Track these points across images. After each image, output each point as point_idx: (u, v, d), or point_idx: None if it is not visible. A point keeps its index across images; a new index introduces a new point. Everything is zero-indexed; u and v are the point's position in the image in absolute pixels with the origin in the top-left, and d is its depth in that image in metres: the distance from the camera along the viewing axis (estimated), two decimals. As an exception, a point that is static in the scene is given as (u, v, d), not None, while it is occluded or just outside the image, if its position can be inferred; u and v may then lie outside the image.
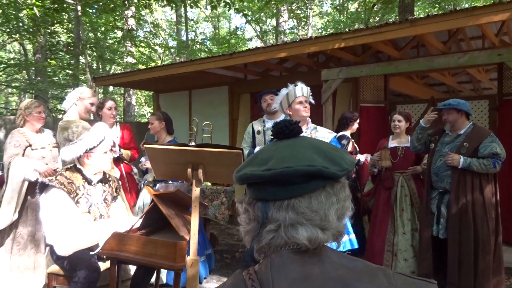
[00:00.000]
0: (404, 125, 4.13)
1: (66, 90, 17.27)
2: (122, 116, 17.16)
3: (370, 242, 4.12)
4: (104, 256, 2.68)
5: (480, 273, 3.31)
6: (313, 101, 3.32)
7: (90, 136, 2.81)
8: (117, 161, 4.16)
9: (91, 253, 2.68)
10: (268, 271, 0.77)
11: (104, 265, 2.83)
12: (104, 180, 2.98)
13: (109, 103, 4.24)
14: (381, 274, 0.77)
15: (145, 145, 2.69)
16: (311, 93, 3.31)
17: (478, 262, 3.32)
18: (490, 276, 3.32)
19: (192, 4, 7.77)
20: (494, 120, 5.20)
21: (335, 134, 3.26)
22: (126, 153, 4.31)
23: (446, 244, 3.46)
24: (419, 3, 15.40)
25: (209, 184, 4.69)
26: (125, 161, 4.32)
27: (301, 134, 0.91)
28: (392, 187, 4.06)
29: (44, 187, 2.72)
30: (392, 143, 4.18)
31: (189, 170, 2.46)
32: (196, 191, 2.50)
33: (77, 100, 3.73)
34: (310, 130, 3.21)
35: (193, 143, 4.05)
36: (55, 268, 2.80)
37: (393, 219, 4.02)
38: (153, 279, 3.19)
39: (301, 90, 3.20)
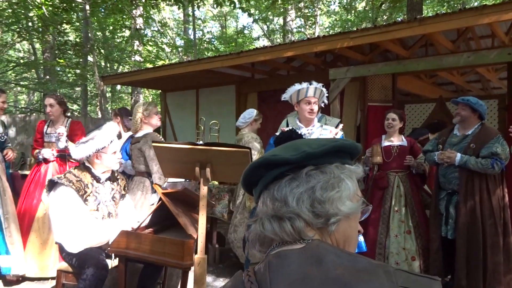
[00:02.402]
0: (398, 124, 4.02)
1: (74, 89, 17.42)
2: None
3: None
4: (113, 254, 2.71)
5: (490, 274, 3.28)
6: (326, 101, 3.28)
7: (101, 136, 2.84)
8: (63, 158, 4.14)
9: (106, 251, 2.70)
10: (266, 272, 0.77)
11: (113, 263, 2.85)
12: (113, 178, 3.00)
13: (46, 101, 4.17)
14: (381, 272, 0.74)
15: (153, 144, 2.70)
16: (326, 94, 3.24)
17: (487, 263, 3.30)
18: (501, 277, 3.29)
19: (199, 4, 7.78)
20: (503, 119, 5.15)
21: (341, 133, 3.19)
22: (70, 144, 4.08)
23: (454, 245, 3.44)
24: (427, 1, 15.29)
25: (216, 183, 4.70)
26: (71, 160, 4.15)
27: (306, 133, 1.00)
28: (387, 187, 3.96)
29: (53, 184, 2.74)
30: (385, 142, 4.07)
31: (197, 168, 2.47)
32: (203, 190, 2.51)
33: (253, 121, 4.41)
34: (316, 128, 3.15)
35: (200, 142, 4.06)
36: (64, 265, 2.82)
37: (385, 221, 3.93)
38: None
39: (314, 91, 3.14)
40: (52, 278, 3.97)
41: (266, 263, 0.79)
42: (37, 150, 4.18)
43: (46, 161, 4.14)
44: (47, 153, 4.10)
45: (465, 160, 3.34)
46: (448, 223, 3.51)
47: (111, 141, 2.85)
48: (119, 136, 3.82)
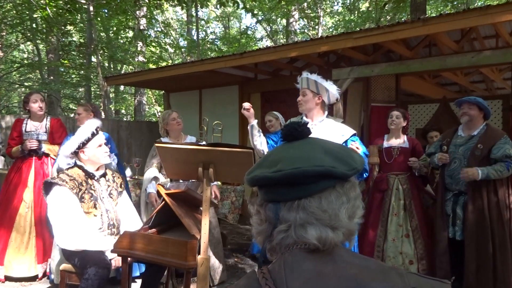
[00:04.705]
0: (401, 122, 3.96)
1: (78, 90, 17.47)
2: (133, 115, 17.29)
3: (359, 246, 3.85)
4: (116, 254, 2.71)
5: (499, 275, 3.27)
6: (334, 93, 2.94)
7: (81, 131, 2.88)
8: (39, 157, 4.13)
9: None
10: (282, 270, 0.78)
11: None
12: (107, 175, 3.03)
13: (35, 97, 4.16)
14: (394, 274, 0.77)
15: (156, 144, 2.71)
16: (318, 81, 2.90)
17: (496, 263, 3.28)
18: (510, 277, 3.27)
19: (202, 4, 7.79)
20: (507, 120, 5.14)
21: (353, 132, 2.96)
22: (49, 147, 4.15)
23: (462, 246, 3.42)
24: (431, 1, 15.24)
25: (219, 183, 4.70)
26: (52, 157, 4.20)
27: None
28: (387, 189, 3.92)
29: (48, 186, 2.75)
30: (387, 143, 4.03)
31: (200, 169, 2.47)
32: (207, 190, 2.51)
33: None
34: (322, 123, 2.92)
35: (204, 142, 4.07)
36: (67, 265, 2.83)
37: (383, 224, 3.90)
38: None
39: (300, 82, 2.94)
40: (33, 278, 3.98)
41: (282, 261, 0.80)
42: (14, 148, 4.10)
43: (30, 154, 4.09)
44: (31, 143, 4.02)
45: (486, 173, 3.29)
46: (455, 224, 3.49)
47: (92, 134, 2.87)
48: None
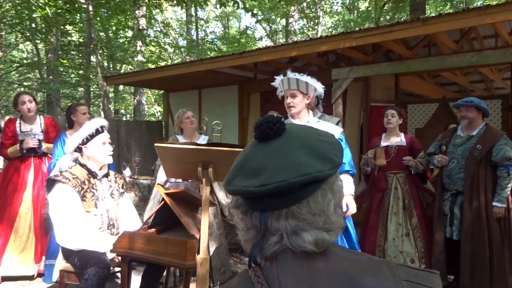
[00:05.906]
0: (396, 121, 3.96)
1: (77, 89, 17.46)
2: (132, 115, 17.28)
3: (361, 246, 3.85)
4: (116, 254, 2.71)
5: (495, 275, 3.27)
6: (321, 91, 2.96)
7: (85, 127, 2.89)
8: (39, 156, 4.11)
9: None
10: (274, 267, 0.78)
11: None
12: (110, 175, 3.03)
13: (23, 98, 4.09)
14: (385, 267, 0.78)
15: (155, 144, 2.70)
16: (312, 83, 2.89)
17: (493, 263, 3.28)
18: (506, 277, 3.28)
19: (202, 4, 7.77)
20: (507, 120, 5.14)
21: (341, 130, 2.98)
22: (48, 146, 4.12)
23: (459, 246, 3.42)
24: (430, 1, 15.25)
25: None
26: (49, 156, 4.15)
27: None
28: (385, 189, 3.92)
29: (51, 183, 2.75)
30: (384, 142, 4.02)
31: (199, 169, 2.46)
32: (206, 190, 2.51)
33: None
34: (313, 124, 2.89)
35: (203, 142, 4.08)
36: (66, 265, 2.83)
37: (383, 223, 3.90)
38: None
39: (287, 82, 2.89)
40: (30, 277, 3.97)
41: (273, 258, 0.79)
42: (11, 148, 4.04)
43: (28, 154, 4.05)
44: (33, 141, 3.98)
45: (502, 197, 3.31)
46: (453, 224, 3.49)
47: (96, 130, 2.88)
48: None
